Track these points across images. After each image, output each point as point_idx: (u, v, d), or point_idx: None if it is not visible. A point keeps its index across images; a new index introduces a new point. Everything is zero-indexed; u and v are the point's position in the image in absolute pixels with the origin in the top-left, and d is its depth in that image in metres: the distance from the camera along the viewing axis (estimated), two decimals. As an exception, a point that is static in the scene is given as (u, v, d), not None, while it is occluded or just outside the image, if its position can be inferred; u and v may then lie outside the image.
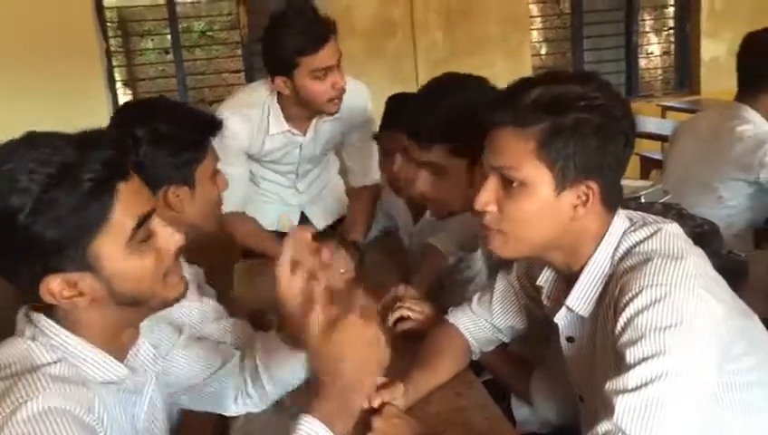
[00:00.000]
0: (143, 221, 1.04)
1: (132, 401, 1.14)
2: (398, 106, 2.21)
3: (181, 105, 1.65)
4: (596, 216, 1.22)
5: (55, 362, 1.00)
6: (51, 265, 0.98)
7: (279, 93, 2.28)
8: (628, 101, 1.25)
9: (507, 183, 1.20)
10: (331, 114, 2.29)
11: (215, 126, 1.67)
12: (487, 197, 1.23)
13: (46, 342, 1.02)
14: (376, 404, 1.34)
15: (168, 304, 1.13)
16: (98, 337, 1.06)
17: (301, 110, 2.30)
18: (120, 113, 1.70)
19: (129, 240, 1.02)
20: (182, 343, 1.34)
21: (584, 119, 1.16)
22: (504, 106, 1.21)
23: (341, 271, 2.23)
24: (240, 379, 1.44)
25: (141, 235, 1.04)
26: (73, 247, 0.98)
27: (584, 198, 1.19)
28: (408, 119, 1.68)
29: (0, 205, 0.96)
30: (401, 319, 1.75)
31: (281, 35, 2.14)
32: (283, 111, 2.32)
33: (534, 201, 1.19)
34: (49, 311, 1.04)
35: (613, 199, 1.24)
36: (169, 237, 1.08)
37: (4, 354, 1.01)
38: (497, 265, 1.68)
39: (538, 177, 1.18)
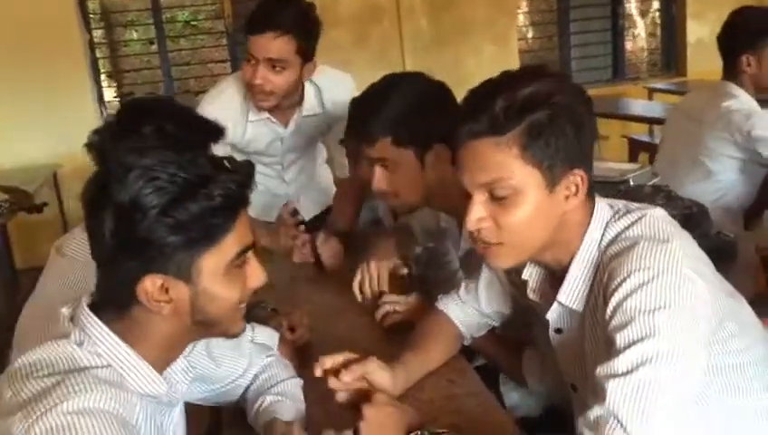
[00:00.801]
0: (246, 250, 1.07)
1: (164, 411, 1.15)
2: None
3: (186, 108, 1.62)
4: (581, 205, 1.22)
5: (102, 367, 1.01)
6: (155, 266, 1.00)
7: None
8: (582, 87, 1.26)
9: (496, 196, 1.19)
10: (259, 109, 2.27)
11: (218, 131, 1.64)
12: (478, 214, 1.20)
13: (92, 348, 1.02)
14: (347, 379, 1.33)
15: (227, 336, 1.16)
16: (153, 349, 1.06)
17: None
18: (125, 108, 1.66)
19: (228, 263, 1.05)
20: (203, 346, 1.33)
21: (556, 112, 1.16)
22: (474, 118, 1.18)
23: (330, 260, 2.24)
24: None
25: (238, 262, 1.07)
26: (184, 255, 1.01)
27: (574, 188, 1.20)
28: (352, 121, 1.76)
29: (133, 197, 0.96)
30: (389, 313, 1.75)
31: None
32: None
33: (529, 205, 1.18)
34: (106, 314, 1.04)
35: (591, 187, 1.24)
36: (258, 274, 1.11)
37: (47, 354, 1.00)
38: (472, 263, 1.69)
39: (528, 180, 1.17)
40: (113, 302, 1.04)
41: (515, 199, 1.17)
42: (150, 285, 1.00)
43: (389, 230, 2.24)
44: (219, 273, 1.04)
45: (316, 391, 1.42)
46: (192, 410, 1.33)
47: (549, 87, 1.18)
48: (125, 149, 1.02)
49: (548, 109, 1.16)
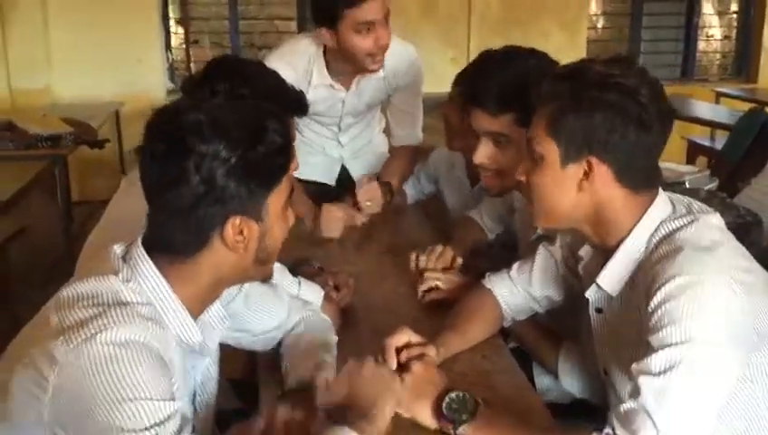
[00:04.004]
0: (293, 190, 1.18)
1: (196, 358, 1.20)
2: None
3: (273, 74, 1.63)
4: (614, 193, 1.24)
5: (144, 304, 1.06)
6: (234, 209, 1.07)
7: (325, 46, 2.29)
8: (661, 88, 1.25)
9: (532, 156, 1.29)
10: (372, 71, 2.29)
11: (301, 105, 1.62)
12: (522, 167, 1.33)
13: (136, 287, 1.06)
14: (403, 359, 1.37)
15: (264, 277, 1.23)
16: (197, 293, 1.12)
17: (344, 64, 2.30)
18: (211, 64, 1.68)
19: (285, 201, 1.15)
20: (242, 297, 1.39)
21: (594, 96, 1.19)
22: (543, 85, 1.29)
23: (367, 202, 2.29)
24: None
25: (289, 202, 1.16)
26: (258, 196, 1.09)
27: (585, 171, 1.23)
28: (474, 86, 1.67)
29: (212, 147, 1.03)
30: (430, 289, 1.77)
31: None
32: (327, 63, 2.34)
33: (546, 173, 1.27)
34: (157, 257, 1.09)
35: (636, 181, 1.24)
36: (292, 214, 1.20)
37: (93, 286, 1.05)
38: (532, 242, 1.70)
39: (548, 150, 1.25)
40: (180, 246, 1.08)
41: (540, 164, 1.28)
42: (231, 226, 1.07)
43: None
44: (280, 210, 1.13)
45: (353, 351, 1.46)
46: (227, 353, 1.37)
47: (602, 71, 1.21)
48: (193, 103, 1.10)
49: (586, 91, 1.20)
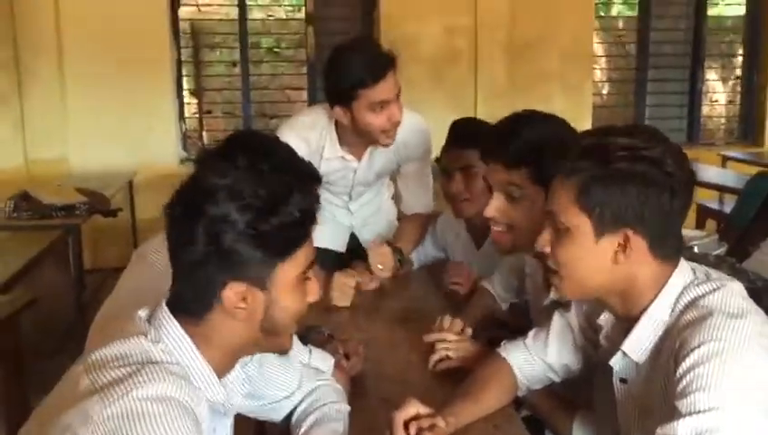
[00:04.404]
0: (312, 264, 1.18)
1: (219, 418, 1.21)
2: (467, 128, 2.25)
3: (286, 147, 1.66)
4: (646, 264, 1.24)
5: (174, 364, 1.09)
6: (238, 274, 1.09)
7: (337, 120, 2.35)
8: (684, 154, 1.26)
9: (556, 227, 1.28)
10: (385, 146, 2.34)
11: (313, 178, 1.67)
12: (543, 239, 1.31)
13: (165, 347, 1.09)
14: (413, 433, 1.35)
15: (280, 350, 1.24)
16: (218, 354, 1.14)
17: (357, 138, 2.36)
18: (229, 138, 1.72)
19: (299, 275, 1.15)
20: (257, 362, 1.39)
21: (624, 168, 1.20)
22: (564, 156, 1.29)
23: (379, 266, 2.29)
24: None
25: (306, 275, 1.17)
26: (265, 266, 1.10)
27: (622, 245, 1.23)
28: (492, 140, 1.71)
29: (224, 212, 1.06)
30: (442, 359, 1.75)
31: (342, 67, 2.20)
32: (339, 137, 2.39)
33: (575, 246, 1.25)
34: (180, 317, 1.12)
35: (666, 250, 1.25)
36: (316, 289, 1.21)
37: (124, 347, 1.08)
38: (544, 308, 1.69)
39: (579, 223, 1.24)
40: (192, 307, 1.12)
41: (566, 236, 1.26)
42: (233, 292, 1.09)
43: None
44: (290, 283, 1.13)
45: (363, 420, 1.45)
46: (238, 422, 1.37)
47: (629, 143, 1.22)
48: (213, 171, 1.12)
49: (617, 163, 1.20)
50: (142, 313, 1.14)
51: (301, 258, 1.14)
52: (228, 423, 1.25)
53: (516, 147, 1.63)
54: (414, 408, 1.38)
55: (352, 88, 2.17)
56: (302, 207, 1.12)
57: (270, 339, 1.18)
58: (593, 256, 1.24)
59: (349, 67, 2.18)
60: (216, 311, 1.11)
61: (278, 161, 1.58)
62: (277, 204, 1.09)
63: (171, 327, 1.11)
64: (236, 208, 1.06)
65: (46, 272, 3.70)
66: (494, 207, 1.67)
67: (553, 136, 1.61)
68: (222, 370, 1.17)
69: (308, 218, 1.14)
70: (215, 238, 1.06)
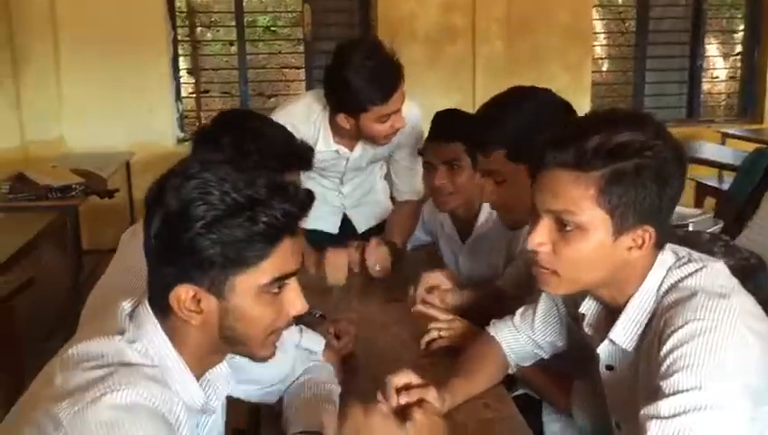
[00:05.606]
0: (283, 278, 1.07)
1: (201, 418, 1.18)
2: (448, 120, 2.23)
3: (280, 131, 1.63)
4: (647, 256, 1.24)
5: (151, 366, 1.05)
6: (190, 276, 1.02)
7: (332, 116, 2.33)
8: (681, 144, 1.25)
9: (562, 225, 1.21)
10: (382, 145, 2.37)
11: (307, 161, 1.62)
12: (541, 238, 1.23)
13: (142, 348, 1.05)
14: (403, 402, 1.35)
15: (253, 358, 1.14)
16: (190, 354, 1.09)
17: (353, 135, 2.35)
18: (218, 116, 1.69)
19: (260, 287, 1.05)
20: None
21: (645, 165, 1.17)
22: (564, 148, 1.20)
23: (377, 268, 2.29)
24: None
25: (275, 287, 1.07)
26: (220, 271, 1.02)
27: (640, 241, 1.21)
28: (470, 129, 1.76)
29: (183, 206, 1.00)
30: (433, 339, 1.76)
31: (351, 80, 2.15)
32: (333, 131, 2.37)
33: (589, 245, 1.20)
34: (155, 313, 1.08)
35: (664, 239, 1.25)
36: (296, 302, 1.10)
37: (98, 347, 1.04)
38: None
39: (596, 221, 1.19)
40: (159, 303, 1.07)
41: (578, 235, 1.20)
42: (183, 293, 1.03)
43: (466, 271, 2.28)
44: (251, 294, 1.05)
45: (354, 399, 1.45)
46: (231, 401, 1.36)
47: (645, 139, 1.18)
48: (192, 159, 1.07)
49: (637, 159, 1.17)
50: (127, 304, 1.10)
51: (265, 270, 1.04)
52: (212, 418, 1.21)
53: (486, 134, 1.67)
54: (407, 377, 1.37)
55: (363, 104, 2.18)
56: (273, 217, 1.02)
57: (237, 348, 1.12)
58: (605, 254, 1.21)
59: (361, 87, 2.15)
60: (174, 312, 1.05)
61: (267, 142, 1.57)
62: (243, 209, 1.00)
63: (149, 325, 1.07)
64: (198, 204, 0.99)
65: (44, 253, 3.71)
66: (487, 192, 1.74)
67: (527, 113, 1.65)
68: (199, 368, 1.12)
69: (278, 230, 1.03)
70: (169, 232, 1.01)
